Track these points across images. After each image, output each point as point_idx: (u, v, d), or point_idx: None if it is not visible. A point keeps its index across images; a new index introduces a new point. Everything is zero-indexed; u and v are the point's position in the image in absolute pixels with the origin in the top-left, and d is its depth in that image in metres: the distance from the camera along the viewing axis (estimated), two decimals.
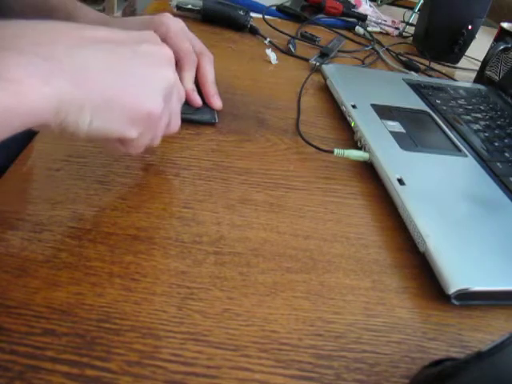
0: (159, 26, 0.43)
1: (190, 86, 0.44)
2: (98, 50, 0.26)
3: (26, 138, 0.37)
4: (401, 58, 0.75)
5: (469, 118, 0.53)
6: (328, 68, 0.58)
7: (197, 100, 0.44)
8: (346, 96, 0.51)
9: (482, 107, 0.57)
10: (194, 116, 0.44)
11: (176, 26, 0.44)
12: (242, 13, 0.71)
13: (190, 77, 0.44)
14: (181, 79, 0.43)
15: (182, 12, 0.71)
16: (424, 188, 0.38)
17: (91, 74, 0.25)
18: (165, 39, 0.43)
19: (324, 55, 0.66)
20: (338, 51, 0.71)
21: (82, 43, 0.26)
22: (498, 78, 0.68)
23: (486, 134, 0.50)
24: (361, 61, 0.70)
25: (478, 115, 0.55)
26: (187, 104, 0.44)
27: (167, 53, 0.31)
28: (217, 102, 0.45)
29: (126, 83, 0.27)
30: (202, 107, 0.45)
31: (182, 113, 0.44)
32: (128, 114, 0.28)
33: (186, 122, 0.44)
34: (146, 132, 0.30)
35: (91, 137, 0.27)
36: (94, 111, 0.26)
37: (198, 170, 0.38)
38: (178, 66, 0.44)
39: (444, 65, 0.79)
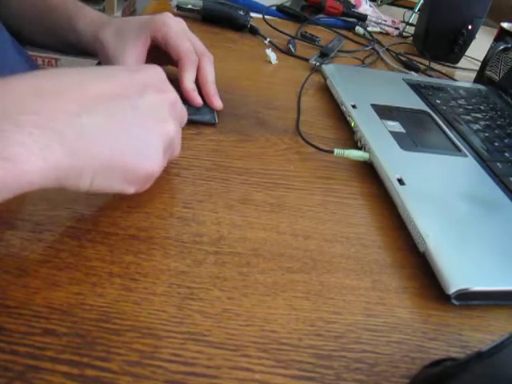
0: (160, 26, 0.44)
1: (191, 85, 0.44)
2: (99, 115, 0.26)
3: None
4: (401, 57, 0.75)
5: (469, 118, 0.53)
6: (328, 68, 0.58)
7: (197, 100, 0.44)
8: (346, 96, 0.51)
9: (482, 107, 0.57)
10: (194, 116, 0.44)
11: (177, 26, 0.44)
12: (241, 13, 0.71)
13: (190, 77, 0.44)
14: (181, 79, 0.43)
15: (182, 12, 0.71)
16: (424, 188, 0.38)
17: (91, 142, 0.25)
18: (166, 39, 0.43)
19: (324, 55, 0.66)
20: (338, 51, 0.71)
21: (84, 108, 0.25)
22: (497, 78, 0.68)
23: (486, 134, 0.50)
24: (361, 61, 0.70)
25: (478, 115, 0.55)
26: (187, 104, 0.44)
27: (169, 99, 0.31)
28: (217, 102, 0.45)
29: (126, 147, 0.27)
30: (202, 107, 0.45)
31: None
32: (127, 176, 0.28)
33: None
34: (146, 185, 0.31)
35: (92, 192, 0.28)
36: (94, 176, 0.26)
37: (198, 170, 0.38)
38: (179, 65, 0.44)
39: (444, 65, 0.79)
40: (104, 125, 0.26)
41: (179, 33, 0.44)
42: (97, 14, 0.48)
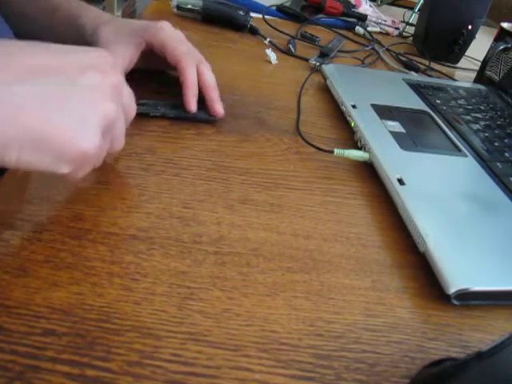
0: (157, 31, 0.44)
1: (194, 88, 0.43)
2: (33, 85, 0.25)
3: None
4: (401, 57, 0.75)
5: (469, 118, 0.53)
6: (328, 68, 0.58)
7: (193, 106, 0.43)
8: (346, 96, 0.51)
9: (482, 107, 0.57)
10: (193, 115, 0.44)
11: (174, 32, 0.45)
12: (241, 13, 0.71)
13: (192, 78, 0.43)
14: (184, 81, 0.43)
15: (182, 12, 0.71)
16: (424, 188, 0.38)
17: (20, 112, 0.24)
18: (162, 44, 0.43)
19: (324, 55, 0.66)
20: (338, 51, 0.71)
21: (17, 77, 0.25)
22: (498, 78, 0.68)
23: (486, 134, 0.50)
24: (361, 61, 0.70)
25: (478, 115, 0.55)
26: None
27: (112, 81, 0.29)
28: (220, 109, 0.45)
29: (59, 120, 0.26)
30: (202, 106, 0.45)
31: (182, 113, 0.44)
32: (58, 153, 0.26)
33: (185, 120, 0.44)
34: (81, 168, 0.29)
35: (22, 168, 0.26)
36: (21, 149, 0.25)
37: (198, 170, 0.38)
38: (179, 69, 0.43)
39: (444, 65, 0.79)
40: (37, 95, 0.25)
41: (176, 38, 0.44)
42: (100, 12, 0.48)
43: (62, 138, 0.26)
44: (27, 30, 0.52)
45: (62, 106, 0.26)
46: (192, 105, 0.44)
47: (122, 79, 0.31)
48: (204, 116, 0.44)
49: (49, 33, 0.51)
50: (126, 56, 0.44)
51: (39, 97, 0.25)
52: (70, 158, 0.27)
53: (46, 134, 0.26)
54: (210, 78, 0.45)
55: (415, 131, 0.47)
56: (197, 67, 0.44)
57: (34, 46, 0.27)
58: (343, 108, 0.50)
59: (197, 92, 0.44)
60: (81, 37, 0.47)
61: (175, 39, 0.44)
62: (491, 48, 0.69)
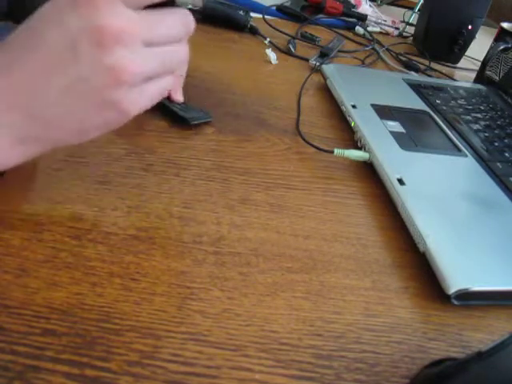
0: None
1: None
2: (59, 100, 0.26)
3: None
4: (401, 57, 0.75)
5: (469, 118, 0.53)
6: (328, 68, 0.58)
7: None
8: (346, 96, 0.51)
9: (482, 107, 0.57)
10: (178, 110, 0.43)
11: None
12: (242, 13, 0.71)
13: None
14: None
15: None
16: (424, 188, 0.38)
17: (53, 127, 0.27)
18: None
19: (324, 55, 0.66)
20: (338, 51, 0.71)
21: (37, 88, 0.25)
22: (498, 78, 0.68)
23: (486, 134, 0.50)
24: (361, 61, 0.70)
25: (478, 115, 0.55)
26: (184, 102, 0.44)
27: (112, 36, 0.24)
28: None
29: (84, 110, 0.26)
30: (196, 107, 0.44)
31: (173, 105, 0.43)
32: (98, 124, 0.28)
33: (165, 111, 0.43)
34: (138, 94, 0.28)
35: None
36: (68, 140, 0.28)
37: (197, 170, 0.38)
38: None
39: (444, 65, 0.79)
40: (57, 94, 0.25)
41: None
42: None
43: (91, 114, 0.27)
44: None
45: (84, 104, 0.26)
46: None
47: (123, 19, 0.25)
48: (182, 114, 0.43)
49: None
50: None
51: (58, 95, 0.25)
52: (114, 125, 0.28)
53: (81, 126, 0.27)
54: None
55: (415, 131, 0.47)
56: None
57: (11, 49, 0.25)
58: (343, 108, 0.50)
59: None
60: None
61: None
62: (491, 48, 0.69)
